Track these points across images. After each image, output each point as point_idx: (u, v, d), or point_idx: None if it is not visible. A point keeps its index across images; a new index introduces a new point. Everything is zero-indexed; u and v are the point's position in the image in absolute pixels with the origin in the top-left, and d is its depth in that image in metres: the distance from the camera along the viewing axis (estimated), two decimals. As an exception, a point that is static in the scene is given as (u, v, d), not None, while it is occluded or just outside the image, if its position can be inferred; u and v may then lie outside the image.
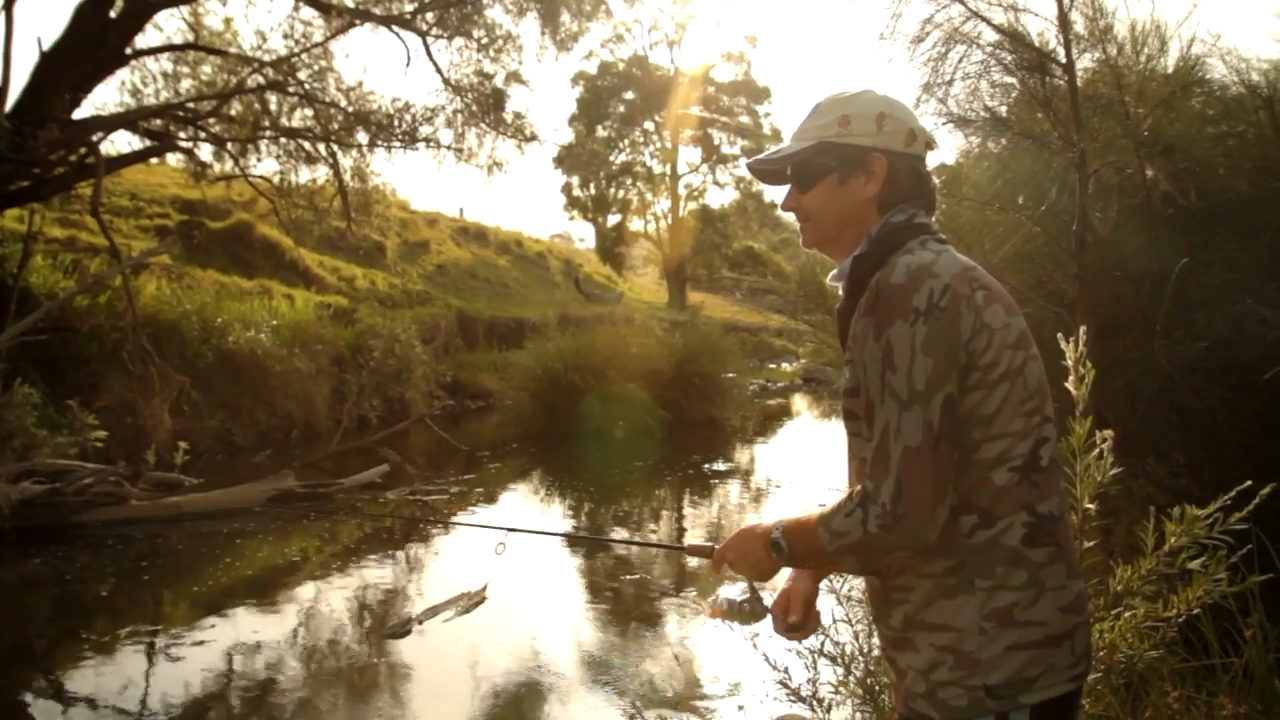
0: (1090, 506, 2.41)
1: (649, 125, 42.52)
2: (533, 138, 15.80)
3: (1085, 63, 4.96)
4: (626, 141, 42.35)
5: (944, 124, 5.09)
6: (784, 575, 1.94)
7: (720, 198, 44.49)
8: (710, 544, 1.98)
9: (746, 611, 1.93)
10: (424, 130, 14.08)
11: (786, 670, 3.05)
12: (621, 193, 43.53)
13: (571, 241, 50.00)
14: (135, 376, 11.02)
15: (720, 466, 12.90)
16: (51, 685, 5.69)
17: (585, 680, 5.64)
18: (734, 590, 1.96)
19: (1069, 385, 2.44)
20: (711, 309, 36.98)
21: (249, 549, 8.52)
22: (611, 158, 41.39)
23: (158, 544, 8.55)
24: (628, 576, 8.02)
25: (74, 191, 12.11)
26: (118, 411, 10.64)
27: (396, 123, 13.91)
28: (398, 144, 14.09)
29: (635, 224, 44.33)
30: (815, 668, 3.02)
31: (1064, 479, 1.95)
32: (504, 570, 7.75)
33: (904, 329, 1.54)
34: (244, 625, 6.58)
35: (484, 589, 6.97)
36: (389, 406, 14.33)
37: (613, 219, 44.27)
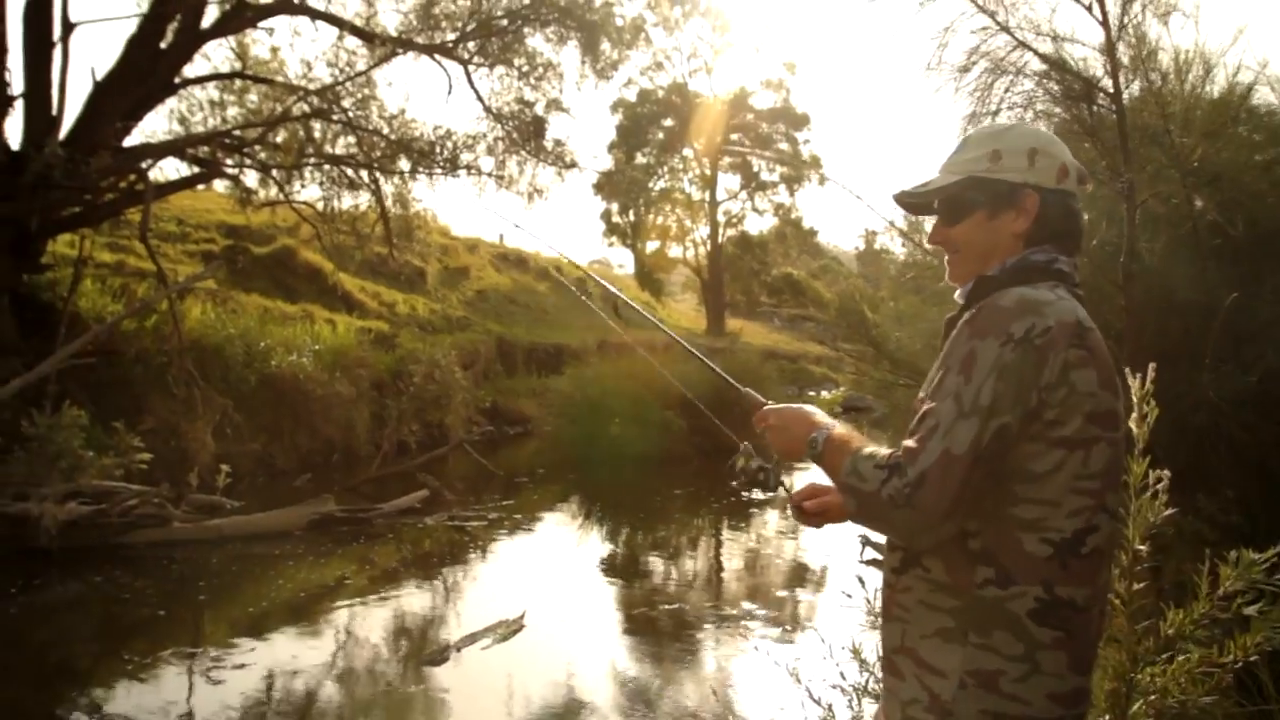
0: (1141, 548, 2.36)
1: (688, 152, 42.65)
2: (573, 165, 15.89)
3: (1130, 91, 4.92)
4: (665, 168, 42.47)
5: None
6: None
7: (759, 224, 44.44)
8: (762, 399, 2.00)
9: (761, 480, 2.00)
10: (465, 157, 14.22)
11: (830, 707, 3.00)
12: (660, 219, 43.64)
13: (611, 267, 50.14)
14: (179, 399, 11.14)
15: (760, 494, 12.81)
16: (94, 704, 5.75)
17: (620, 709, 5.61)
18: (757, 459, 2.02)
19: (1131, 423, 2.38)
20: (750, 336, 36.90)
21: (289, 572, 8.56)
22: (650, 184, 41.51)
23: (199, 565, 8.62)
24: (666, 605, 7.99)
25: (123, 217, 12.31)
26: (162, 434, 10.76)
27: (438, 150, 14.05)
28: (439, 171, 14.23)
29: (674, 250, 44.37)
30: (859, 705, 2.97)
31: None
32: (542, 598, 7.75)
33: (993, 346, 1.54)
34: (283, 648, 6.62)
35: (522, 616, 6.96)
36: (428, 432, 14.38)
37: (651, 245, 44.37)
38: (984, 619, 1.55)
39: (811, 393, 30.45)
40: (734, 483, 2.05)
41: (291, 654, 6.46)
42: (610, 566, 9.53)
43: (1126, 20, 4.73)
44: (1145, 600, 2.57)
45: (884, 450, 1.60)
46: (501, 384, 19.53)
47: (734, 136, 42.36)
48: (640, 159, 41.28)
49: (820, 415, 1.80)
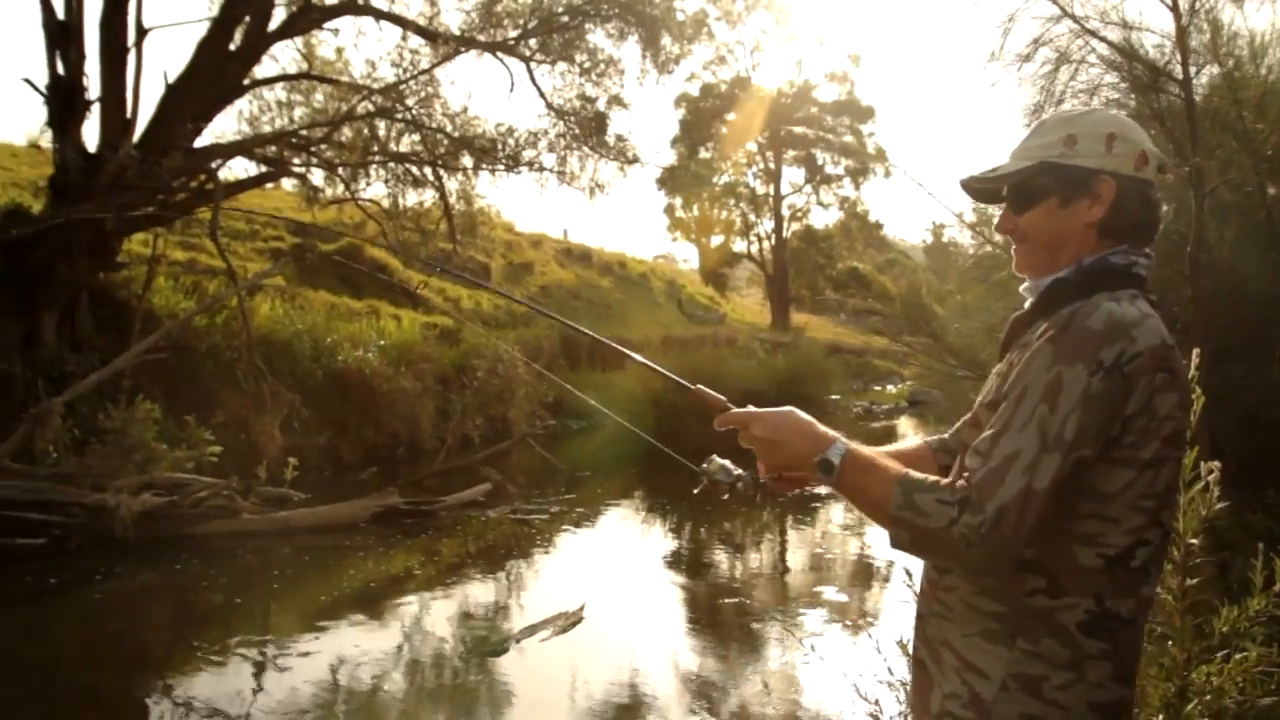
0: (1194, 541, 2.29)
1: (752, 146, 42.47)
2: (634, 160, 15.88)
3: (1201, 78, 4.80)
4: (729, 162, 42.35)
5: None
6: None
7: (824, 218, 44.13)
8: (723, 400, 1.85)
9: (738, 490, 1.83)
10: (527, 154, 14.30)
11: (878, 703, 2.98)
12: (724, 213, 43.55)
13: (675, 262, 50.08)
14: (249, 394, 11.37)
15: (822, 490, 12.69)
16: (169, 689, 5.93)
17: (678, 703, 5.61)
18: (731, 467, 1.85)
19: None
20: (815, 330, 36.68)
21: (356, 563, 8.71)
22: (714, 179, 41.41)
23: (270, 556, 8.81)
24: (725, 599, 7.98)
25: (194, 216, 12.58)
26: (232, 427, 11.00)
27: (500, 147, 14.16)
28: (501, 168, 14.35)
29: (738, 245, 44.20)
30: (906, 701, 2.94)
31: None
32: (602, 591, 7.79)
33: (1081, 375, 1.46)
34: (348, 637, 6.73)
35: (581, 609, 6.99)
36: (492, 426, 14.51)
37: (716, 240, 44.30)
38: (1032, 626, 1.53)
39: (877, 387, 30.19)
40: (696, 490, 1.89)
41: (355, 643, 6.57)
42: (671, 560, 9.54)
43: (1198, 4, 4.61)
44: (1206, 597, 2.50)
45: (933, 477, 1.53)
46: (565, 378, 19.62)
47: (798, 130, 42.07)
48: (704, 153, 41.20)
49: (816, 424, 1.69)
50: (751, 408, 1.79)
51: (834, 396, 20.10)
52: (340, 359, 13.99)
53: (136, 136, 10.86)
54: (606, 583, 8.30)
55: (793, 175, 43.37)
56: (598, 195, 14.95)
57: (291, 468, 10.27)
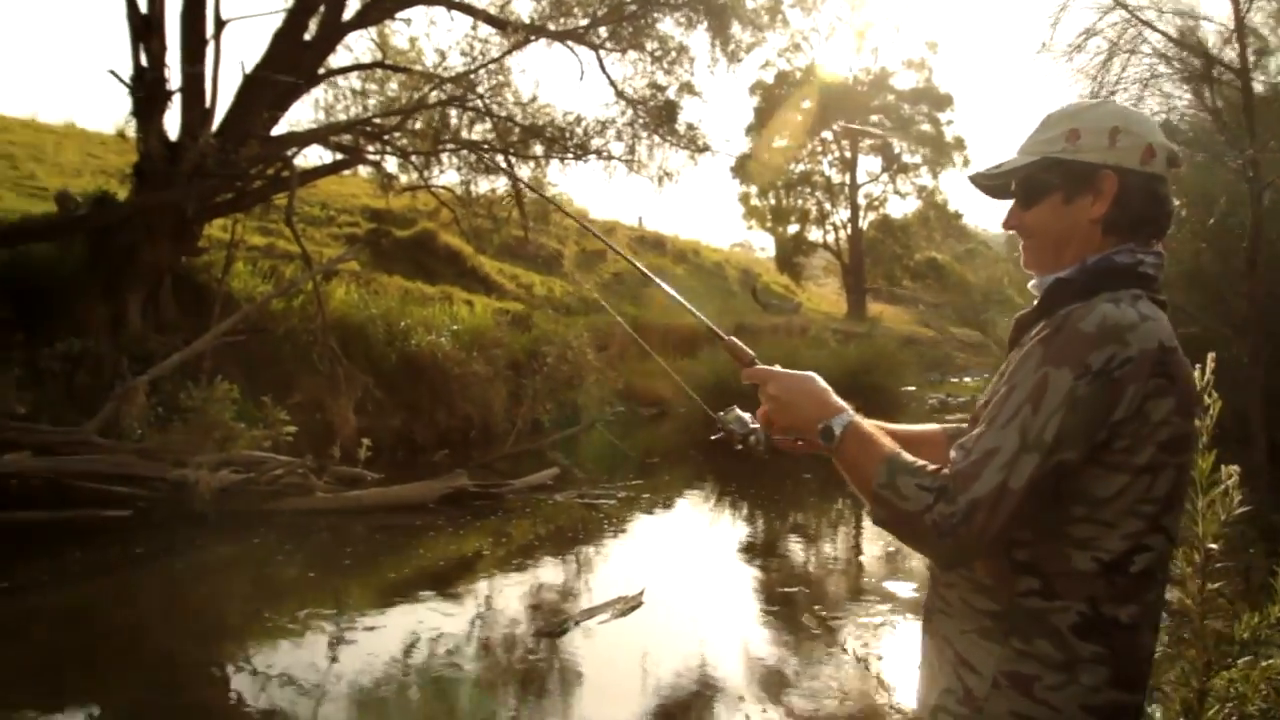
0: (1213, 546, 2.24)
1: (827, 134, 42.06)
2: (705, 149, 15.87)
3: (1261, 68, 4.67)
4: (804, 150, 41.99)
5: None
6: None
7: (902, 207, 43.55)
8: (753, 356, 1.86)
9: (750, 444, 1.82)
10: (596, 142, 14.38)
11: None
12: (800, 202, 43.17)
13: (752, 250, 49.82)
14: (324, 376, 11.63)
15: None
16: (244, 659, 6.16)
17: (735, 690, 5.63)
18: (748, 420, 1.85)
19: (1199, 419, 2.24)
20: (891, 321, 36.26)
21: (426, 542, 8.87)
22: (789, 167, 41.12)
23: (343, 533, 9.02)
24: (789, 588, 7.96)
25: (272, 202, 12.90)
26: (307, 408, 11.25)
27: (568, 135, 14.26)
28: (569, 156, 14.46)
29: (814, 234, 43.81)
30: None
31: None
32: (664, 576, 7.83)
33: (1066, 378, 1.45)
34: (412, 615, 6.88)
35: (640, 594, 7.03)
36: (562, 411, 14.65)
37: (792, 228, 43.98)
38: (1025, 626, 1.52)
39: (955, 379, 29.74)
40: (713, 437, 1.89)
41: (421, 620, 6.71)
42: (738, 547, 9.55)
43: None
44: (1230, 601, 2.43)
45: (914, 458, 1.53)
46: (636, 365, 19.71)
47: (874, 118, 41.54)
48: (778, 142, 40.94)
49: (830, 393, 1.70)
50: (777, 367, 1.81)
51: (909, 388, 19.83)
52: (414, 343, 14.22)
53: (215, 125, 11.18)
54: (670, 568, 8.35)
55: (869, 164, 42.88)
56: (666, 184, 14.98)
57: (365, 448, 10.51)
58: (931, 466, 1.51)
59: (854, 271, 41.41)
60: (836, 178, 43.00)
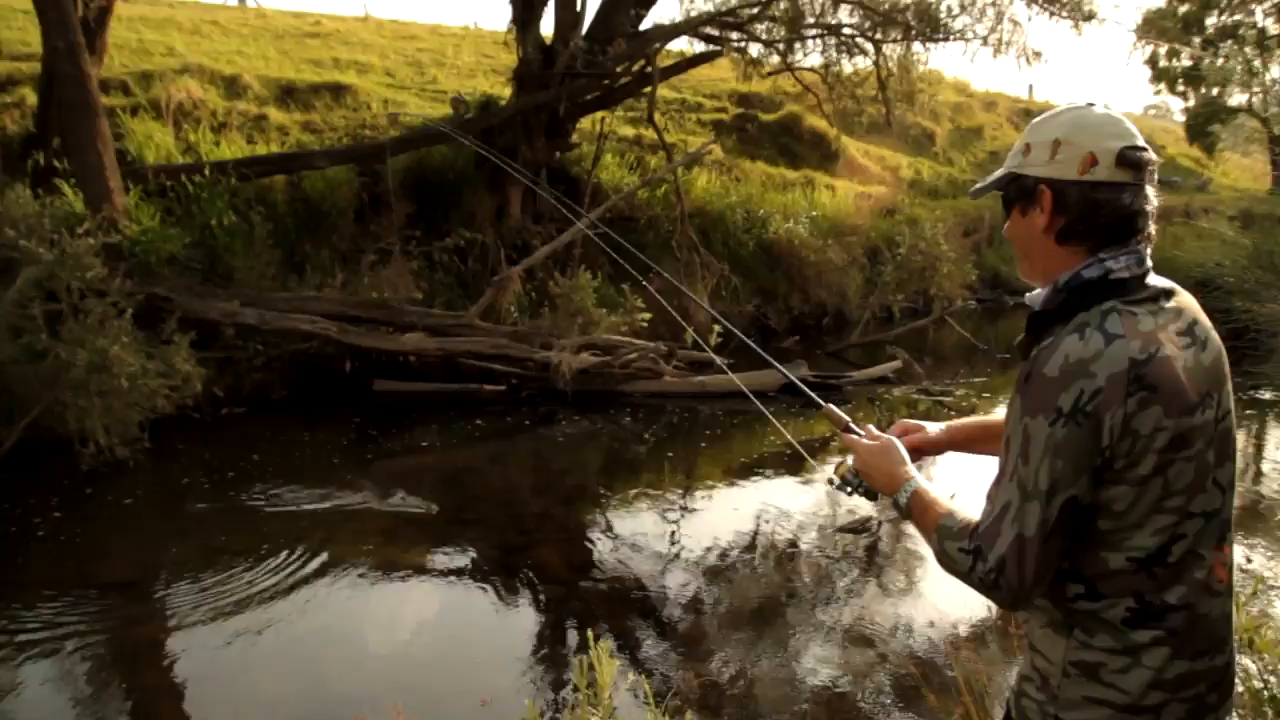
0: None
1: (1261, -22, 36.60)
2: (1090, 16, 14.59)
3: None
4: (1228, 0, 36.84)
5: None
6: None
7: (1352, 62, 37.33)
8: (850, 423, 2.06)
9: (861, 492, 2.00)
10: (961, 21, 13.64)
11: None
12: (1221, 60, 38.16)
13: (1169, 115, 44.84)
14: (682, 263, 12.29)
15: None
16: (603, 523, 7.13)
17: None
18: (856, 479, 2.02)
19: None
20: (1324, 197, 31.64)
21: (762, 430, 9.33)
22: (1207, 20, 36.37)
23: (691, 416, 9.76)
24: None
25: (637, 97, 13.51)
26: (665, 295, 11.94)
27: (925, 19, 13.63)
28: (928, 39, 13.87)
29: (1237, 98, 38.66)
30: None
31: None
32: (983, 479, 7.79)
33: (1043, 426, 1.52)
34: (728, 498, 7.56)
35: (952, 496, 7.07)
36: (914, 301, 14.48)
37: (1211, 91, 39.03)
38: (1084, 622, 1.62)
39: None
40: (829, 485, 2.08)
41: (733, 505, 7.31)
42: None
43: None
44: None
45: (961, 518, 1.67)
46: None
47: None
48: (1196, -9, 36.18)
49: (901, 464, 1.87)
50: (862, 436, 2.00)
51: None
52: (771, 230, 14.59)
53: (585, 28, 11.90)
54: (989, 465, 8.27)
55: (1316, 12, 36.91)
56: (1034, 63, 13.97)
57: (715, 334, 11.06)
58: (971, 523, 1.65)
59: (1284, 141, 36.28)
60: (1273, 28, 37.47)
